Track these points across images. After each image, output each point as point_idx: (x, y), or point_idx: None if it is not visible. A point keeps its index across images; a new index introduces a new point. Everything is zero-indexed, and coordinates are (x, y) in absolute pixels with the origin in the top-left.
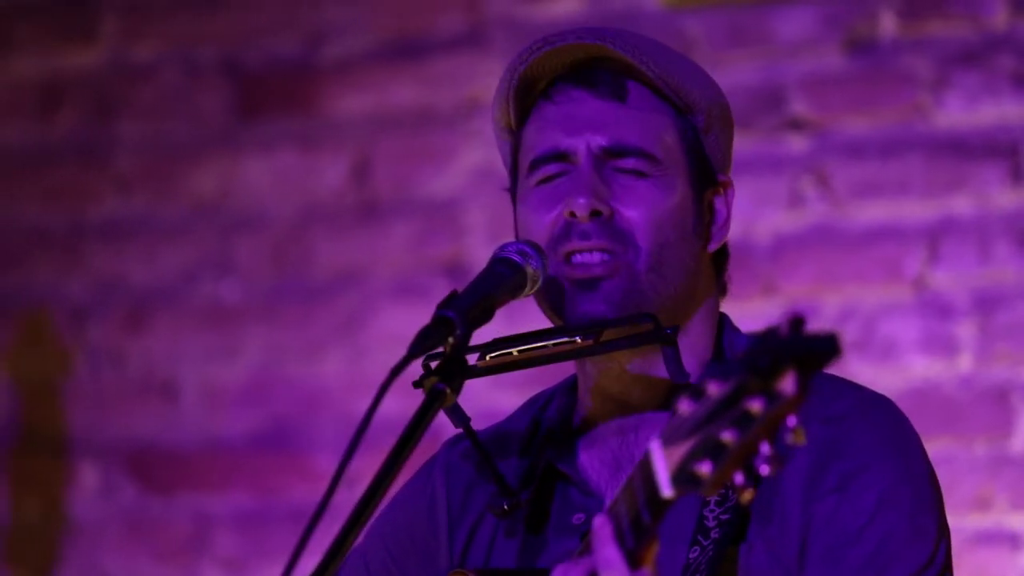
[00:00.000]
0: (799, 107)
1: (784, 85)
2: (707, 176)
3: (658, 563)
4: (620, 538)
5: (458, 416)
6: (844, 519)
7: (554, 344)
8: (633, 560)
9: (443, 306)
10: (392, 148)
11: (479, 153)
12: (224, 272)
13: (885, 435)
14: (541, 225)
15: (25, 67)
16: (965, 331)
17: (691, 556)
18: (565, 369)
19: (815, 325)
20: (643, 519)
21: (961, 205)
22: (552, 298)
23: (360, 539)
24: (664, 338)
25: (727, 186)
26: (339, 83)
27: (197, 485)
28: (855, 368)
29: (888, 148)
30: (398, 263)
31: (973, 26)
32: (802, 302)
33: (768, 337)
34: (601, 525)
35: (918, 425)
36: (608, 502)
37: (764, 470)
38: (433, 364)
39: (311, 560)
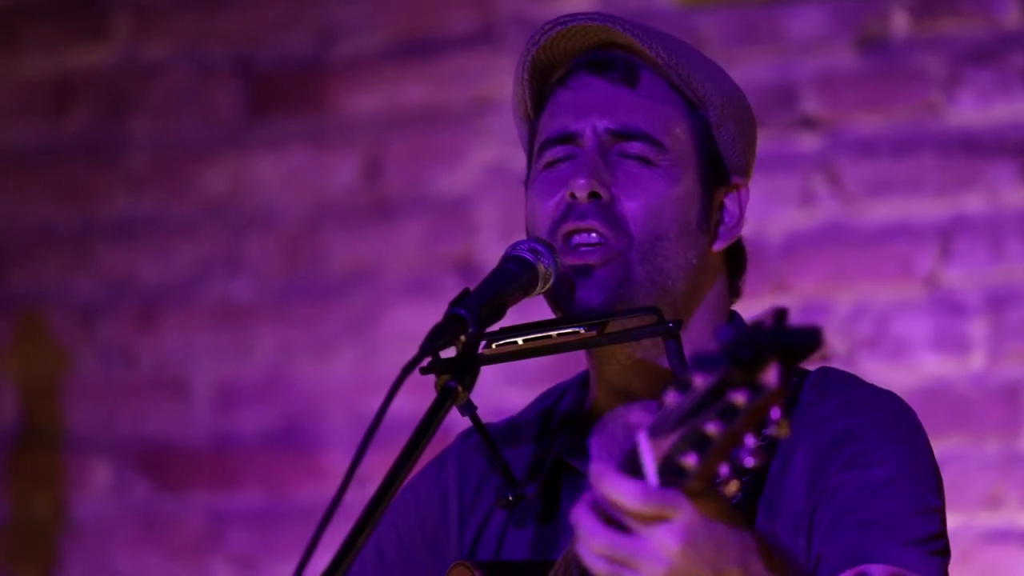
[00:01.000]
0: (811, 105)
1: (796, 83)
2: (719, 173)
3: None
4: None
5: (466, 405)
6: (850, 491)
7: (558, 335)
8: None
9: (455, 304)
10: (403, 146)
11: (491, 151)
12: (235, 270)
13: (892, 423)
14: (544, 209)
15: (36, 66)
16: (977, 329)
17: None
18: (576, 364)
19: (827, 323)
20: None
21: (973, 203)
22: (556, 292)
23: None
24: (666, 331)
25: (741, 187)
26: (350, 81)
27: (208, 483)
28: (867, 366)
29: (900, 146)
30: (409, 261)
31: (985, 24)
32: (813, 300)
33: (752, 330)
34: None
35: (929, 423)
36: None
37: (748, 462)
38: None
39: (323, 558)
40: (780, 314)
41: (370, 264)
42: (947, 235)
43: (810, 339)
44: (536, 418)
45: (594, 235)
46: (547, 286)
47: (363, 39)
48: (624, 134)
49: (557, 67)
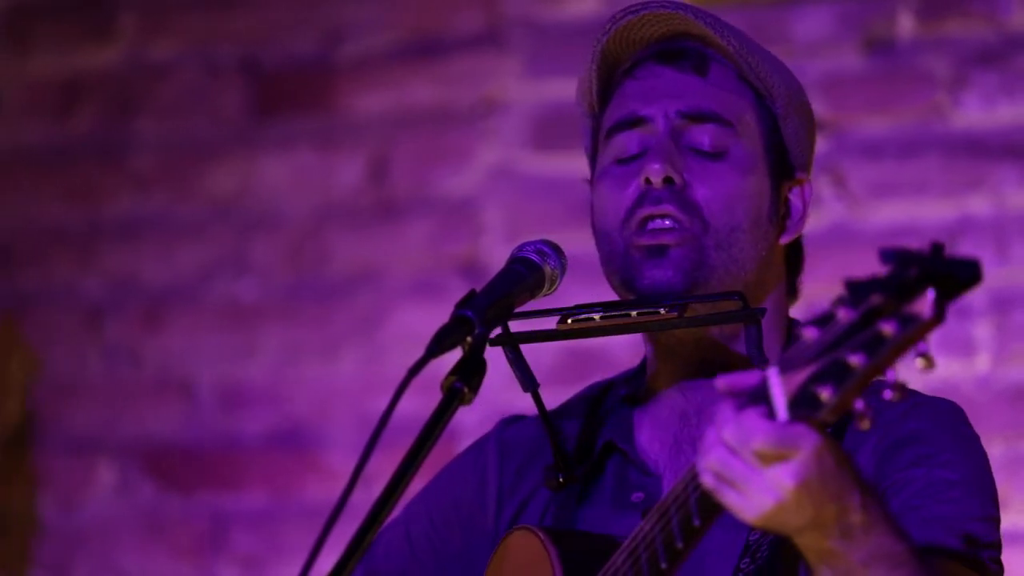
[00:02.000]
0: (816, 107)
1: (802, 85)
2: (785, 167)
3: (716, 547)
4: None
5: (528, 381)
6: (918, 488)
7: (638, 314)
8: None
9: (461, 305)
10: (409, 147)
11: (497, 152)
12: (241, 271)
13: (958, 430)
14: (619, 200)
15: (44, 66)
16: (982, 331)
17: (751, 537)
18: (591, 370)
19: (946, 244)
20: None
21: (978, 205)
22: (623, 269)
23: (403, 509)
24: (749, 316)
25: (805, 182)
26: (357, 82)
27: (214, 484)
28: None
29: (905, 148)
30: (415, 262)
31: (991, 26)
32: (820, 302)
33: (908, 256)
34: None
35: None
36: (666, 482)
37: (887, 395)
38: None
39: (328, 560)
40: (938, 246)
41: (376, 265)
42: (952, 237)
43: (969, 270)
44: (583, 406)
45: (668, 221)
46: (553, 287)
47: (370, 40)
48: (696, 116)
49: (624, 59)
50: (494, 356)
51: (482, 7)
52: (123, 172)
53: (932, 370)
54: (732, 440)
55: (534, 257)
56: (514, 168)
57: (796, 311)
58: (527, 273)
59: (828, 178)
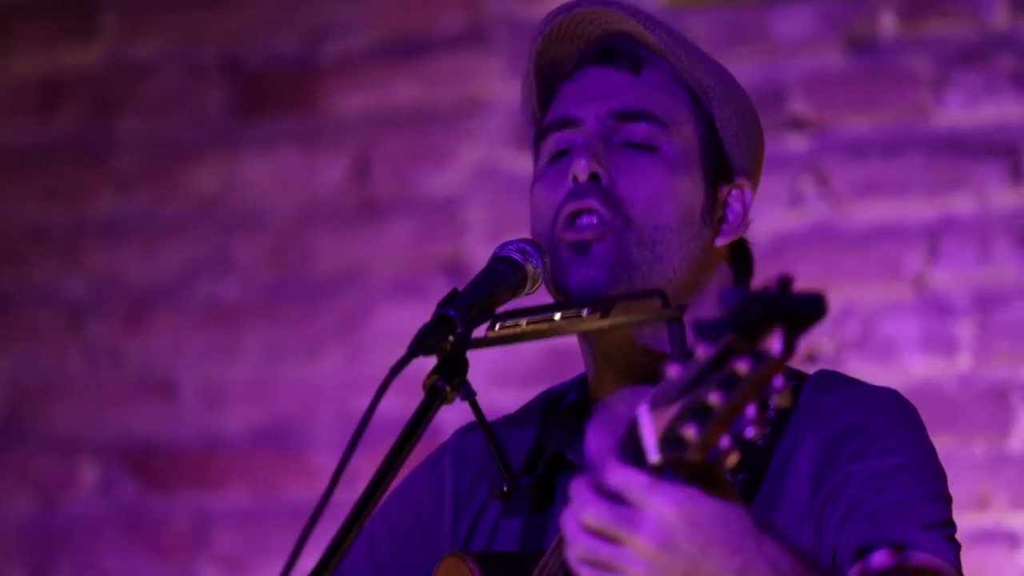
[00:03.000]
0: (799, 106)
1: (784, 84)
2: (722, 169)
3: None
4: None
5: (466, 390)
6: (862, 481)
7: (562, 317)
8: None
9: (444, 304)
10: (392, 147)
11: (479, 152)
12: (224, 270)
13: (896, 414)
14: (550, 201)
15: (25, 65)
16: (965, 330)
17: None
18: (574, 365)
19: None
20: None
21: (961, 204)
22: (553, 269)
23: (366, 522)
24: (671, 315)
25: (745, 186)
26: (339, 81)
27: (196, 483)
28: (855, 367)
29: (888, 147)
30: (398, 261)
31: (973, 25)
32: None
33: (755, 296)
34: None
35: None
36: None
37: (749, 432)
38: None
39: (310, 558)
40: (785, 281)
41: (359, 264)
42: (935, 236)
43: (813, 306)
44: (535, 414)
45: (592, 216)
46: (536, 286)
47: (353, 39)
48: (627, 115)
49: (562, 63)
50: (477, 355)
51: (465, 7)
52: (105, 172)
53: (788, 406)
54: (595, 520)
55: (516, 256)
56: (497, 167)
57: None
58: (509, 272)
59: (811, 177)
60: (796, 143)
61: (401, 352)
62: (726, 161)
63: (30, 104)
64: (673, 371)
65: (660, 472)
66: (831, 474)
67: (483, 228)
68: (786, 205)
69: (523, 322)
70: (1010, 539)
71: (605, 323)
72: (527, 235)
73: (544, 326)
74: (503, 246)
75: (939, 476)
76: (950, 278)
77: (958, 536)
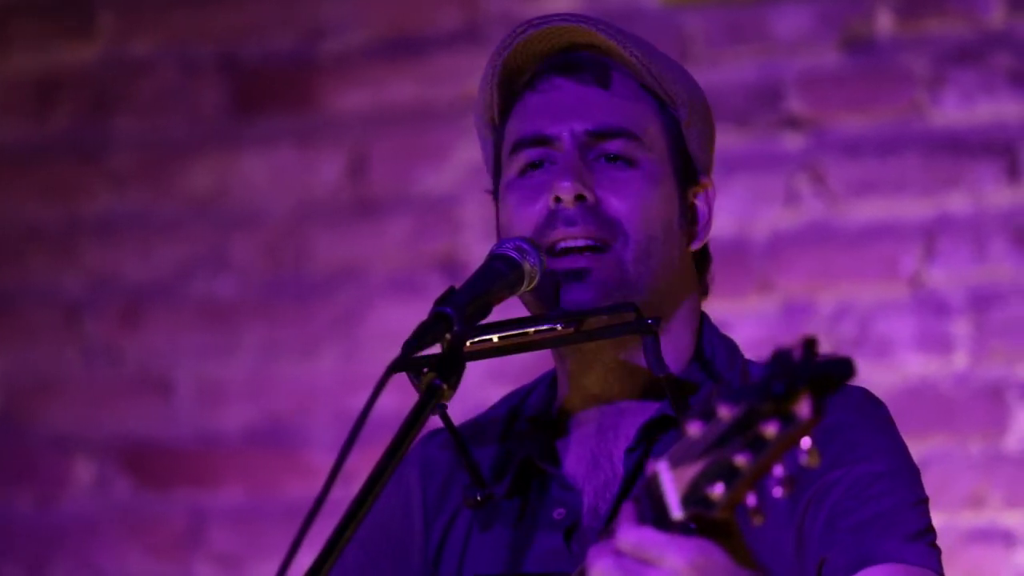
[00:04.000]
0: (795, 105)
1: (781, 83)
2: (689, 173)
3: None
4: None
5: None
6: (843, 490)
7: (535, 331)
8: None
9: (440, 302)
10: (389, 145)
11: (476, 150)
12: (220, 268)
13: (871, 417)
14: (526, 218)
15: (21, 63)
16: (960, 329)
17: None
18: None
19: (810, 323)
20: None
21: (957, 203)
22: (540, 292)
23: None
24: (645, 328)
25: (708, 187)
26: (336, 79)
27: (192, 481)
28: None
29: (884, 146)
30: (394, 259)
31: (970, 24)
32: (798, 300)
33: (781, 361)
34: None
35: (912, 423)
36: (586, 497)
37: (777, 492)
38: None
39: (307, 557)
40: (810, 344)
41: (355, 262)
42: (931, 235)
43: (842, 369)
44: (502, 418)
45: (582, 241)
46: (532, 284)
47: (349, 37)
48: (603, 133)
49: (524, 71)
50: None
51: (461, 5)
52: (102, 170)
53: (816, 466)
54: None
55: (513, 254)
56: None
57: (775, 312)
58: (506, 270)
59: (807, 176)
60: (792, 142)
61: (397, 350)
62: (692, 164)
63: (26, 102)
64: (694, 429)
65: (682, 529)
66: (810, 481)
67: (480, 226)
68: (782, 204)
69: (495, 337)
70: (1006, 538)
71: (580, 337)
72: None
73: (517, 341)
74: (500, 244)
75: (916, 479)
76: (946, 277)
77: (954, 536)
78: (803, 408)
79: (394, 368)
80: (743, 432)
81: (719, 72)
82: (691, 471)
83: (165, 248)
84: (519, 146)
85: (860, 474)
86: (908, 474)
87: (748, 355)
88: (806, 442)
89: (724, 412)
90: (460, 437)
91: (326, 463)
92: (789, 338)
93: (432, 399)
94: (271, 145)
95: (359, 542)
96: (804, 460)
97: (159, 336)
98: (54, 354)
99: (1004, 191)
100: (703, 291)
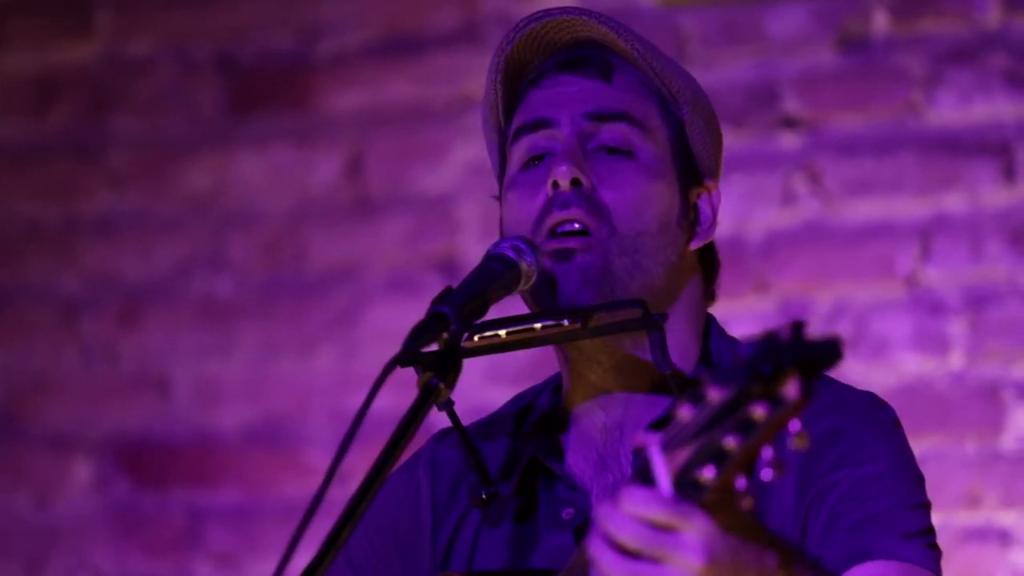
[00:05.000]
0: (792, 104)
1: (777, 82)
2: (692, 173)
3: None
4: None
5: (443, 402)
6: (844, 490)
7: (542, 327)
8: None
9: (438, 302)
10: (386, 144)
11: (473, 149)
12: (218, 268)
13: (876, 420)
14: (527, 210)
15: (19, 62)
16: (957, 328)
17: None
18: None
19: (807, 322)
20: None
21: (953, 203)
22: (537, 291)
23: None
24: (651, 324)
25: (713, 189)
26: (334, 79)
27: (190, 480)
28: (847, 365)
29: (880, 146)
30: (392, 259)
31: (966, 24)
32: (794, 299)
33: (769, 342)
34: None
35: (908, 422)
36: (595, 497)
37: (766, 475)
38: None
39: (305, 556)
40: (798, 326)
41: (353, 262)
42: (927, 234)
43: (830, 350)
44: (510, 418)
45: (576, 224)
46: (529, 284)
47: (347, 37)
48: (603, 116)
49: (528, 69)
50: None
51: (459, 4)
52: (100, 169)
53: (805, 448)
54: (628, 537)
55: (510, 254)
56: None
57: (771, 311)
58: (503, 270)
59: (803, 175)
60: (789, 141)
61: (395, 350)
62: (694, 163)
63: (24, 101)
64: (684, 412)
65: None
66: (814, 481)
67: (477, 226)
68: (778, 203)
69: (502, 332)
70: (1002, 537)
71: (586, 333)
72: None
73: (524, 336)
74: (497, 243)
75: (919, 482)
76: (942, 276)
77: (950, 535)
78: (791, 389)
79: (391, 368)
80: (732, 415)
81: (715, 72)
82: (682, 455)
83: (163, 247)
84: (520, 132)
85: (862, 475)
86: (910, 477)
87: None
88: (795, 425)
89: (713, 394)
90: (467, 435)
91: (323, 462)
92: None
93: (429, 398)
94: (269, 144)
95: (369, 540)
96: (793, 443)
97: (157, 335)
98: (52, 353)
99: (1000, 191)
100: (710, 295)
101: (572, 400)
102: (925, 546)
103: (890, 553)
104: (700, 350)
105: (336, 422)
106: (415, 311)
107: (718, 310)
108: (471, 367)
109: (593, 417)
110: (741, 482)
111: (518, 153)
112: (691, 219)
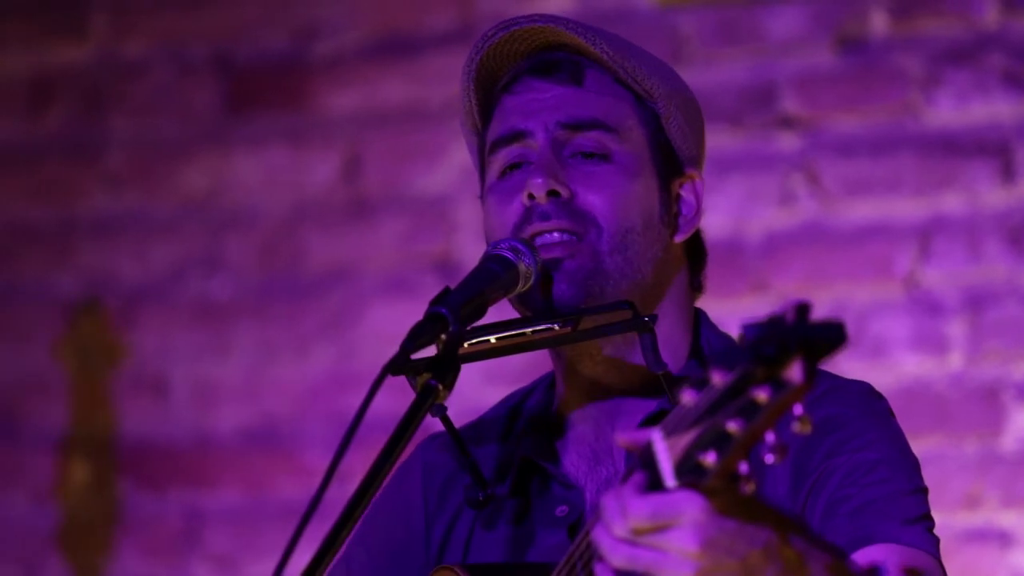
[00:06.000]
0: (790, 105)
1: (775, 83)
2: (673, 165)
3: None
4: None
5: (436, 407)
6: (842, 477)
7: (532, 332)
8: None
9: (436, 302)
10: (382, 145)
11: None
12: (214, 269)
13: (871, 408)
14: (504, 217)
15: (15, 63)
16: (955, 329)
17: None
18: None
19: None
20: None
21: (951, 203)
22: (534, 293)
23: (344, 546)
24: (642, 326)
25: (695, 178)
26: (330, 80)
27: (188, 482)
28: (845, 366)
29: (879, 146)
30: (388, 260)
31: (964, 24)
32: (793, 300)
33: (773, 325)
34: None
35: (908, 423)
36: (588, 494)
37: (769, 459)
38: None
39: (303, 557)
40: (802, 309)
41: (349, 263)
42: (925, 235)
43: (833, 334)
44: (502, 419)
45: (557, 235)
46: (528, 285)
47: (342, 38)
48: (577, 125)
49: (500, 75)
50: None
51: (455, 5)
52: (96, 170)
53: (807, 432)
54: (625, 530)
55: (508, 255)
56: None
57: (770, 311)
58: (501, 271)
59: (802, 176)
60: (787, 142)
61: (393, 351)
62: (674, 156)
63: (20, 102)
64: (688, 397)
65: None
66: (811, 470)
67: (474, 226)
68: (777, 204)
69: (492, 338)
70: (1001, 538)
71: (577, 336)
72: None
73: (515, 341)
74: (495, 244)
75: (916, 469)
76: (941, 277)
77: (950, 536)
78: (794, 373)
79: (389, 369)
80: (735, 398)
81: (713, 72)
82: (684, 440)
83: (159, 248)
84: (496, 145)
85: (859, 461)
86: (907, 463)
87: None
88: (798, 409)
89: (717, 379)
90: (461, 439)
91: (321, 463)
92: None
93: (428, 400)
94: (265, 145)
95: (366, 548)
96: (796, 427)
97: (154, 336)
98: (49, 354)
99: (998, 191)
100: (697, 287)
101: (565, 397)
102: (925, 530)
103: (892, 537)
104: (691, 344)
105: (334, 423)
106: (412, 312)
107: (716, 310)
108: (468, 369)
109: (586, 413)
110: (743, 466)
111: (496, 164)
112: (674, 211)
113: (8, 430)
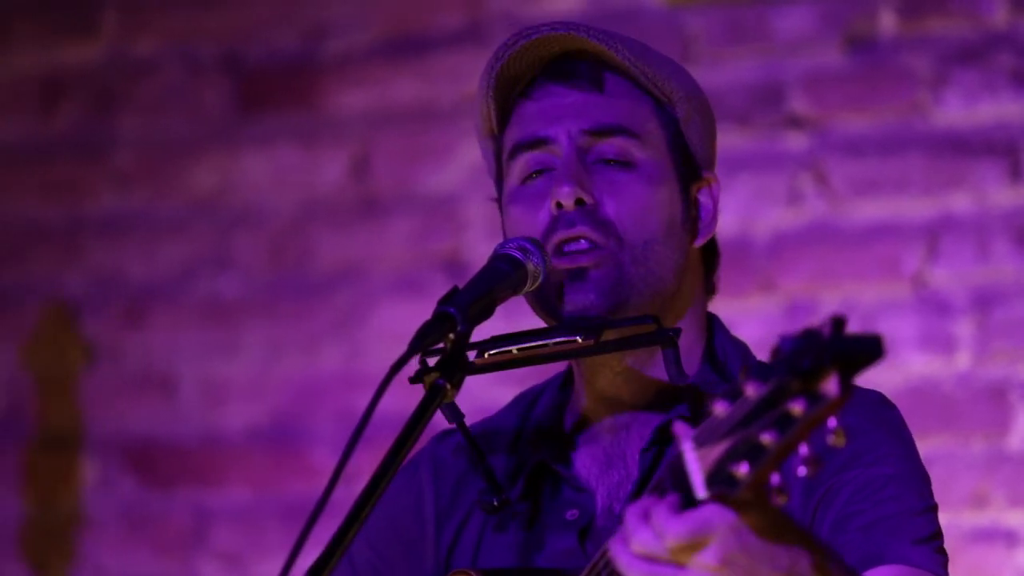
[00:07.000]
0: (798, 104)
1: (783, 82)
2: (691, 169)
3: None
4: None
5: (452, 411)
6: (854, 491)
7: (555, 343)
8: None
9: (444, 302)
10: (392, 144)
11: (479, 149)
12: (223, 268)
13: (885, 421)
14: (530, 225)
15: (25, 62)
16: (963, 329)
17: None
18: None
19: (813, 322)
20: None
21: (960, 203)
22: (544, 294)
23: None
24: (666, 339)
25: (712, 181)
26: (339, 79)
27: (196, 480)
28: None
29: (887, 146)
30: (397, 259)
31: (973, 24)
32: (800, 299)
33: (809, 338)
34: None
35: (915, 423)
36: (599, 497)
37: (802, 471)
38: (430, 360)
39: (310, 555)
40: (838, 322)
41: (358, 262)
42: (934, 235)
43: (870, 347)
44: (513, 421)
45: (583, 241)
46: (536, 284)
47: (352, 37)
48: (601, 131)
49: (519, 81)
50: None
51: (464, 4)
52: (105, 169)
53: (841, 445)
54: (648, 547)
55: (517, 254)
56: None
57: (777, 312)
58: (510, 270)
59: (810, 175)
60: (795, 141)
61: (401, 350)
62: (692, 159)
63: (30, 101)
64: (720, 409)
65: None
66: (823, 480)
67: (483, 226)
68: (785, 203)
69: (514, 349)
70: (1008, 538)
71: (599, 348)
72: None
73: (536, 352)
74: (503, 243)
75: (927, 485)
76: (949, 277)
77: (957, 535)
78: (831, 386)
79: (398, 368)
80: (769, 410)
81: (721, 72)
82: (716, 450)
83: (168, 247)
84: (517, 150)
85: (871, 477)
86: (918, 480)
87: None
88: (832, 421)
89: (751, 391)
90: (476, 444)
91: (329, 462)
92: None
93: (436, 399)
94: (274, 144)
95: (370, 542)
96: (831, 440)
97: (162, 335)
98: (57, 353)
99: (1007, 191)
100: (710, 289)
101: (581, 400)
102: (934, 551)
103: (902, 558)
104: (704, 348)
105: (342, 422)
106: (421, 311)
107: (723, 309)
108: None
109: (601, 418)
110: (775, 478)
111: (517, 169)
112: (693, 215)
113: (18, 428)
